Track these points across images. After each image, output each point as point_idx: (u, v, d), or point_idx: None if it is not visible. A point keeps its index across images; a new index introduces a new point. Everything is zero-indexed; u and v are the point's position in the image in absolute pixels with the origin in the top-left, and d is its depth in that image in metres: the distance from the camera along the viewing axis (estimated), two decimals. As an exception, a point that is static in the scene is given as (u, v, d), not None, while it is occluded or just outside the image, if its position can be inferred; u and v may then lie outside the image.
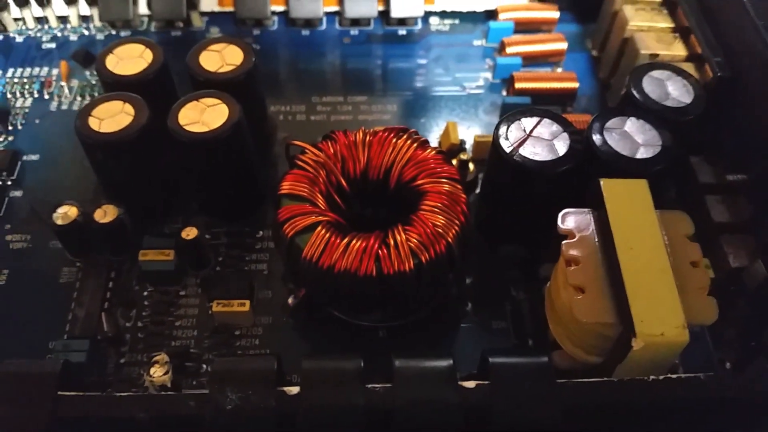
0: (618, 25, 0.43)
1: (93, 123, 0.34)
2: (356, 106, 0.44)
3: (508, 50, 0.45)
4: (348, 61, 0.47)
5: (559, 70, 0.46)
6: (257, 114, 0.39)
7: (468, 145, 0.40)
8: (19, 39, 0.48)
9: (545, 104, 0.43)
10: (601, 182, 0.31)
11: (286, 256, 0.31)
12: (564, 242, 0.30)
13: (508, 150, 0.32)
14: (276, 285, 0.35)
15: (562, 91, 0.43)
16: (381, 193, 0.34)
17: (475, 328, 0.34)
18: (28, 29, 0.48)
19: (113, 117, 0.34)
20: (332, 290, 0.31)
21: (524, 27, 0.47)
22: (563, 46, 0.45)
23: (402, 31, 0.48)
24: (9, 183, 0.40)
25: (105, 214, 0.34)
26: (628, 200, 0.30)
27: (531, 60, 0.45)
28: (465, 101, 0.44)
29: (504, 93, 0.44)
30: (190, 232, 0.34)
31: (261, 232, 0.37)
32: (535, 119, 0.34)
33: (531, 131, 0.33)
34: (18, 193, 0.39)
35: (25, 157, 0.41)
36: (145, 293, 0.35)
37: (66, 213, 0.35)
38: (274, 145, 0.41)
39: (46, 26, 0.48)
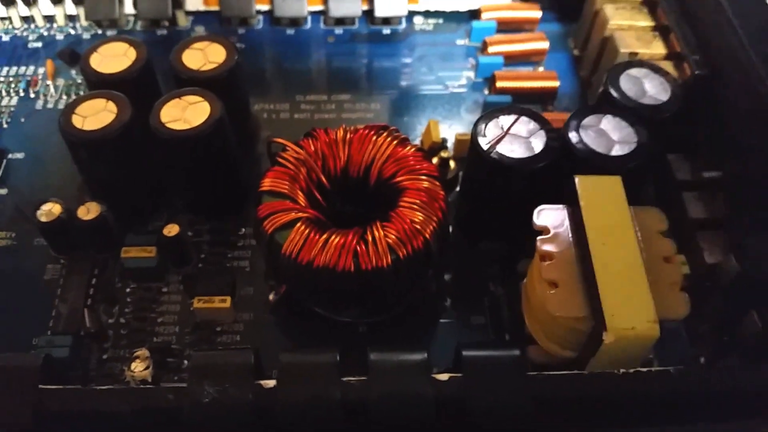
0: (599, 23, 0.44)
1: (76, 121, 0.34)
2: (340, 104, 0.44)
3: (490, 49, 0.45)
4: (332, 60, 0.47)
5: (541, 69, 0.46)
6: (240, 112, 0.40)
7: (449, 144, 0.41)
8: (6, 38, 0.48)
9: (527, 103, 0.43)
10: (576, 179, 0.31)
11: (266, 253, 0.32)
12: (539, 238, 0.30)
13: (485, 147, 0.33)
14: (258, 282, 0.36)
15: (542, 90, 0.44)
16: (361, 190, 0.34)
17: (453, 323, 0.35)
18: (14, 28, 0.48)
19: (96, 115, 0.35)
20: (311, 286, 0.31)
21: (507, 26, 0.47)
22: (545, 45, 0.46)
23: (386, 31, 0.49)
24: (-6, 181, 0.40)
25: (88, 212, 0.35)
26: (602, 197, 0.31)
27: (513, 59, 0.45)
28: (448, 100, 0.44)
29: (486, 92, 0.45)
30: (171, 229, 0.34)
31: (243, 230, 0.38)
32: (513, 117, 0.34)
33: (508, 129, 0.34)
34: (3, 191, 0.40)
35: (10, 156, 0.41)
36: (128, 290, 0.35)
37: (50, 210, 0.35)
38: (258, 143, 0.42)
39: (32, 25, 0.48)
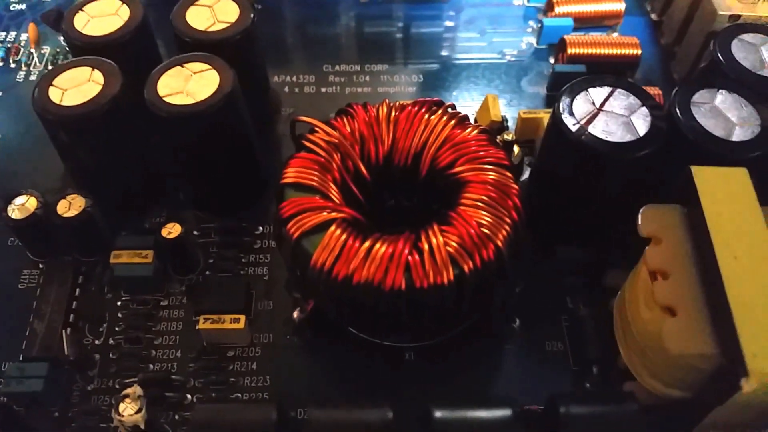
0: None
1: (54, 94, 0.28)
2: (375, 76, 0.37)
3: (557, 10, 0.38)
4: (365, 24, 0.40)
5: (615, 35, 0.38)
6: (257, 84, 0.33)
7: (510, 123, 0.33)
8: (-16, -1, 0.41)
9: (601, 74, 0.36)
10: (693, 170, 0.24)
11: (290, 261, 0.25)
12: (648, 248, 0.23)
13: (573, 128, 0.26)
14: (278, 293, 0.29)
15: (622, 58, 0.36)
16: (408, 181, 0.27)
17: (523, 350, 0.28)
18: (-6, -13, 0.42)
19: (78, 87, 0.28)
20: (348, 305, 0.24)
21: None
22: (620, 6, 0.38)
23: (429, -11, 0.41)
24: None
25: (69, 207, 0.28)
26: (726, 194, 0.24)
27: (583, 22, 0.38)
28: (504, 70, 0.37)
29: (552, 60, 0.37)
30: (172, 230, 0.27)
31: (261, 228, 0.31)
32: (606, 90, 0.27)
33: (602, 105, 0.26)
34: (-28, 180, 0.33)
35: (-16, 137, 0.35)
36: (119, 303, 0.29)
37: (23, 205, 0.28)
38: (278, 122, 0.35)
39: (15, -17, 0.42)
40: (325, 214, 0.24)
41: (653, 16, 0.40)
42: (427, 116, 0.27)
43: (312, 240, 0.24)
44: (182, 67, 0.28)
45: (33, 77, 0.37)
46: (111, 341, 0.28)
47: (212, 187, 0.31)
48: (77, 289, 0.29)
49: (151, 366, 0.27)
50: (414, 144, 0.27)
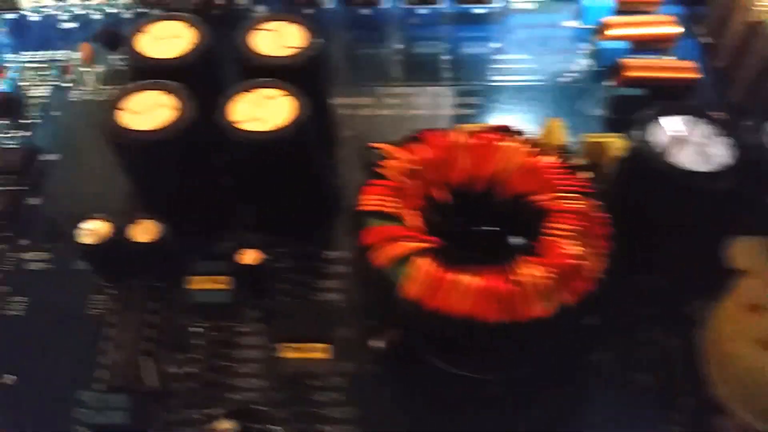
0: (741, 4, 0.36)
1: (125, 119, 0.27)
2: (432, 98, 0.37)
3: (609, 33, 0.38)
4: (417, 45, 0.40)
5: (667, 58, 0.39)
6: (321, 109, 0.32)
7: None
8: (35, 18, 0.41)
9: (657, 99, 0.36)
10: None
11: (373, 292, 0.25)
12: (745, 282, 0.23)
13: (657, 156, 0.26)
14: (357, 321, 0.28)
15: (680, 82, 0.36)
16: (484, 210, 0.27)
17: (608, 381, 0.27)
18: (44, 6, 0.41)
19: (151, 111, 0.28)
20: (440, 338, 0.24)
21: (623, 7, 0.40)
22: (677, 30, 0.38)
23: (478, 10, 0.41)
24: (25, 188, 0.33)
25: (141, 231, 0.28)
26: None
27: (637, 45, 0.38)
28: (560, 93, 0.37)
29: (606, 83, 0.37)
30: (251, 256, 0.27)
31: (331, 254, 0.31)
32: (684, 117, 0.27)
33: (682, 132, 0.26)
34: (36, 201, 0.33)
35: (42, 157, 0.35)
36: (194, 330, 0.28)
37: (96, 230, 0.28)
38: (337, 146, 0.35)
39: (65, 2, 0.41)
40: (410, 243, 0.24)
41: (704, 39, 0.40)
42: (504, 142, 0.27)
43: (400, 272, 0.24)
44: (253, 92, 0.28)
45: (87, 97, 0.37)
46: (188, 370, 0.27)
47: (281, 211, 0.30)
48: (151, 316, 0.28)
49: (233, 395, 0.27)
50: (491, 171, 0.27)
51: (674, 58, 0.38)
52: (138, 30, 0.31)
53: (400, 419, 0.26)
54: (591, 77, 0.38)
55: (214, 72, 0.32)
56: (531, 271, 0.23)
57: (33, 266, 0.31)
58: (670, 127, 0.27)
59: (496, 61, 0.39)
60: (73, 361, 0.28)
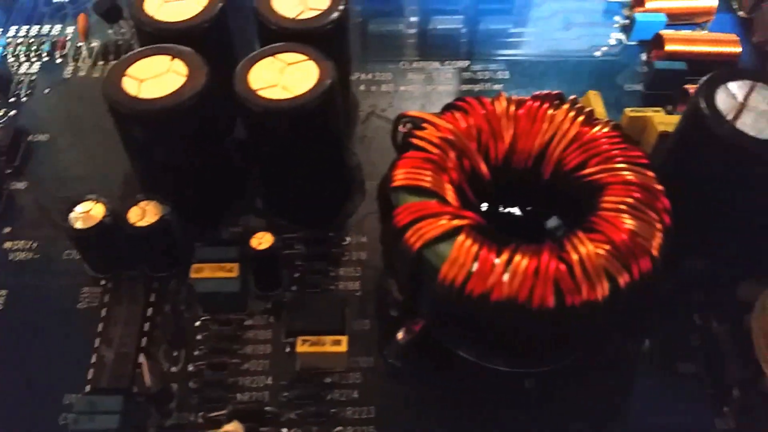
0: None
1: (129, 86, 0.24)
2: (456, 72, 0.34)
3: (648, 5, 0.35)
4: (442, 18, 0.37)
5: (704, 32, 0.36)
6: (344, 80, 0.29)
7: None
8: (23, -10, 0.38)
9: (697, 73, 0.33)
10: None
11: (406, 277, 0.22)
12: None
13: (721, 125, 0.23)
14: (374, 312, 0.26)
15: (721, 56, 0.33)
16: (528, 185, 0.24)
17: (654, 373, 0.25)
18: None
19: (158, 78, 0.25)
20: (478, 326, 0.21)
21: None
22: (713, 2, 0.36)
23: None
24: (9, 171, 0.30)
25: (143, 214, 0.25)
26: None
27: (675, 18, 0.35)
28: (596, 66, 0.34)
29: (644, 57, 0.35)
30: (263, 240, 0.24)
31: (349, 239, 0.28)
32: (747, 84, 0.24)
33: (745, 99, 0.24)
34: (21, 185, 0.30)
35: (30, 138, 0.32)
36: (197, 324, 0.25)
37: (88, 213, 0.25)
38: (356, 123, 0.32)
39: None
40: (449, 220, 0.21)
41: (741, 13, 0.38)
42: (551, 112, 0.24)
43: (437, 251, 0.21)
44: (274, 57, 0.25)
45: (82, 73, 0.34)
46: (191, 368, 0.24)
47: (297, 191, 0.27)
48: (149, 309, 0.25)
49: (239, 396, 0.23)
50: (537, 143, 0.24)
51: (707, 32, 0.35)
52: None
53: (423, 420, 0.24)
54: (626, 51, 0.35)
55: (228, 36, 0.29)
56: (586, 249, 0.20)
57: (18, 256, 0.28)
58: (736, 94, 0.24)
59: (528, 35, 0.36)
60: (62, 361, 0.25)
